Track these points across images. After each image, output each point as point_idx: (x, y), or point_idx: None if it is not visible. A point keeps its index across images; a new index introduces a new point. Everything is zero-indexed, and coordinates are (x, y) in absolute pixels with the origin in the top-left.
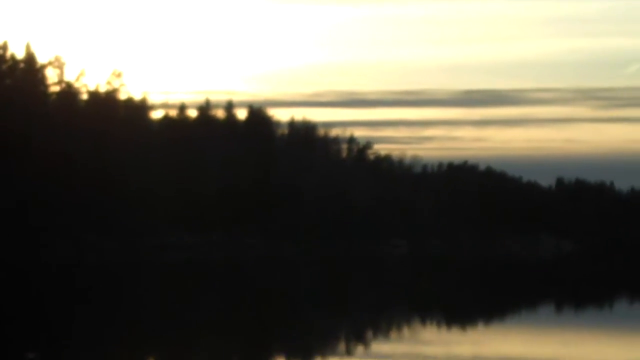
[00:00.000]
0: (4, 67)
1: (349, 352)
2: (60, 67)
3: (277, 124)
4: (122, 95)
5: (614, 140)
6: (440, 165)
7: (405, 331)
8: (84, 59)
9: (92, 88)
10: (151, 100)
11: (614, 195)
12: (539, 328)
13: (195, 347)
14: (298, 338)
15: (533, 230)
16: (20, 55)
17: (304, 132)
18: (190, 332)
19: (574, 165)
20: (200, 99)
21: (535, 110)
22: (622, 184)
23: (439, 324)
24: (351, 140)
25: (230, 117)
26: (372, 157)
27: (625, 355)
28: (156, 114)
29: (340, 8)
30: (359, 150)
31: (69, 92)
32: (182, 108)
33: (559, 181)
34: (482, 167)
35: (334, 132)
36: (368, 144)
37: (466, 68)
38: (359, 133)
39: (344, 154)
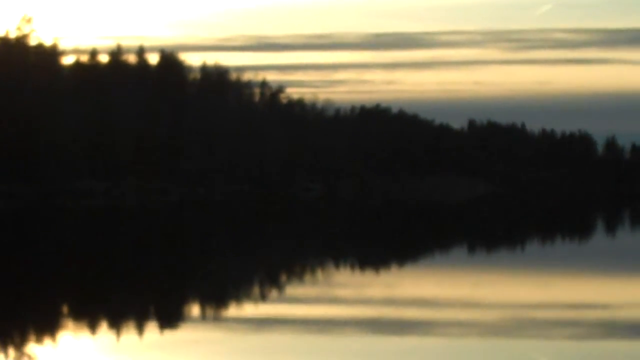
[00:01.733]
0: None
1: (262, 297)
2: None
3: (189, 68)
4: (33, 41)
5: (524, 82)
6: (352, 108)
7: (319, 275)
8: None
9: (1, 34)
10: (62, 45)
11: (525, 136)
12: (452, 270)
13: (102, 294)
14: (211, 283)
15: (446, 173)
16: None
17: (216, 76)
18: (98, 277)
19: (485, 107)
20: (111, 44)
21: (446, 53)
22: (533, 125)
23: (352, 267)
24: (263, 84)
25: (142, 62)
26: (284, 101)
27: (537, 295)
28: (67, 60)
29: None
30: (271, 95)
31: None
32: (94, 53)
33: (471, 123)
34: (394, 110)
35: (246, 77)
36: (280, 88)
37: (376, 11)
38: (271, 77)
39: (256, 98)
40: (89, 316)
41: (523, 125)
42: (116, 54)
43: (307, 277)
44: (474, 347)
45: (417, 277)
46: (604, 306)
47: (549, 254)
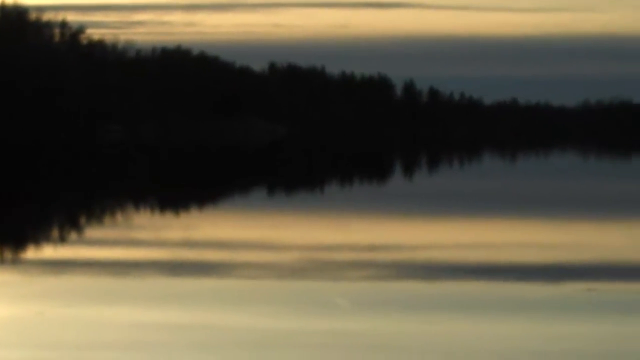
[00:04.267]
0: None
1: (61, 239)
2: None
3: None
4: None
5: (324, 25)
6: (153, 50)
7: (118, 217)
8: None
9: None
10: None
11: (325, 79)
12: (251, 212)
13: None
14: (7, 226)
15: (247, 116)
16: None
17: (15, 16)
18: None
19: (286, 49)
20: None
21: None
22: (333, 68)
23: (152, 210)
24: (63, 25)
25: None
26: (85, 42)
27: (334, 237)
28: None
29: None
30: (71, 36)
31: None
32: None
33: (272, 66)
34: (195, 52)
35: (46, 17)
36: (80, 29)
37: None
38: (71, 18)
39: (57, 39)
40: None
41: (323, 68)
42: None
43: (106, 219)
44: (272, 288)
45: (216, 219)
46: (399, 247)
47: (347, 197)
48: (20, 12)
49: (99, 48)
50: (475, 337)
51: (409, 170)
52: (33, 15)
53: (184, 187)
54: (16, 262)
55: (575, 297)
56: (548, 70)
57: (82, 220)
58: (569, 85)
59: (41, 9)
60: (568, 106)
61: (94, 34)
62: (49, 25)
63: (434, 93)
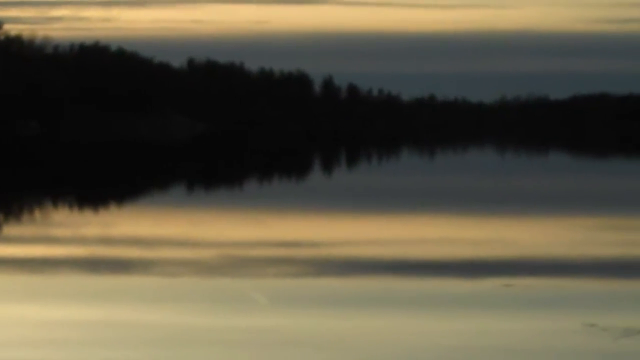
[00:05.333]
0: None
1: None
2: None
3: None
4: None
5: (242, 21)
6: (71, 46)
7: (33, 214)
8: None
9: None
10: None
11: (244, 75)
12: (170, 208)
13: None
14: None
15: (166, 112)
16: None
17: None
18: None
19: (205, 45)
20: None
21: None
22: (252, 64)
23: (68, 206)
24: None
25: None
26: (2, 38)
27: (252, 233)
28: None
29: None
30: None
31: None
32: None
33: (190, 62)
34: (113, 48)
35: None
36: None
37: None
38: None
39: None
40: None
41: (242, 64)
42: None
43: (20, 216)
44: (190, 285)
45: (133, 216)
46: (317, 244)
47: (265, 193)
48: None
49: (16, 44)
50: (393, 334)
51: (327, 166)
52: None
53: (101, 183)
54: None
55: (492, 293)
56: (465, 67)
57: None
58: (486, 82)
59: None
60: (485, 102)
61: (11, 29)
62: None
63: (352, 89)
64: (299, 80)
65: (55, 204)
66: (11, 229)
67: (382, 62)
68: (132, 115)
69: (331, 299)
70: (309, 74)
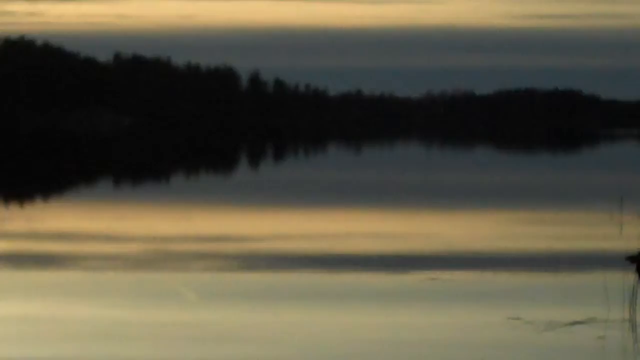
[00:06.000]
0: None
1: None
2: None
3: None
4: None
5: (168, 16)
6: None
7: None
8: None
9: None
10: None
11: (171, 70)
12: (96, 203)
13: None
14: None
15: (91, 107)
16: None
17: None
18: None
19: (131, 40)
20: None
21: None
22: (178, 59)
23: None
24: None
25: None
26: None
27: (178, 228)
28: None
29: None
30: None
31: None
32: None
33: (116, 56)
34: (39, 42)
35: None
36: None
37: None
38: None
39: None
40: None
41: (169, 58)
42: None
43: None
44: (117, 280)
45: (59, 210)
46: (244, 238)
47: (192, 188)
48: None
49: None
50: (319, 327)
51: (254, 161)
52: None
53: (26, 177)
54: None
55: (418, 287)
56: (392, 62)
57: None
58: (413, 77)
59: None
60: (412, 97)
61: None
62: None
63: (279, 84)
64: (226, 75)
65: None
66: None
67: (309, 57)
68: (58, 109)
69: (258, 293)
70: (236, 69)
